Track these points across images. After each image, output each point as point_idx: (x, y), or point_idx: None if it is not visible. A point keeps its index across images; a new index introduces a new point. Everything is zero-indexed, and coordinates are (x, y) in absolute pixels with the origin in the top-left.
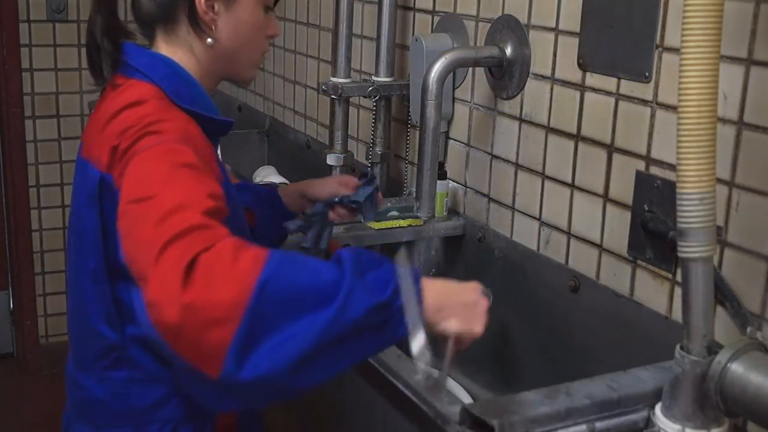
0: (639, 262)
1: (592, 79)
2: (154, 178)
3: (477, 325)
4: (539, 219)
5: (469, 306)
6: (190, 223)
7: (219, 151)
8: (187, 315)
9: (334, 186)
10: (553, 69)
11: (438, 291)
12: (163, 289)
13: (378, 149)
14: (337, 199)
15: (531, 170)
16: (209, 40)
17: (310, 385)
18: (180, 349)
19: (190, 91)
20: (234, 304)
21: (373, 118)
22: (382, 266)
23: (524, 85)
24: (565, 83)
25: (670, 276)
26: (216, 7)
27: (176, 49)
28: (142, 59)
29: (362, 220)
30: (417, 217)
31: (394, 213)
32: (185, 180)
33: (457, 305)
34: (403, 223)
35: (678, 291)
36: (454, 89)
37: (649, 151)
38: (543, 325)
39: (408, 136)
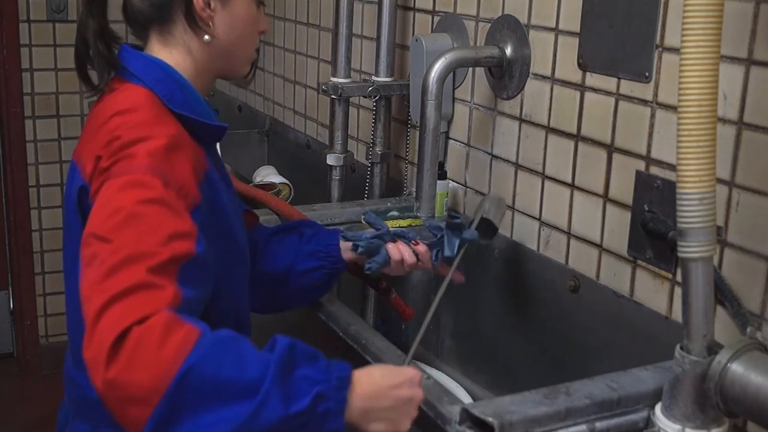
0: (639, 262)
1: (592, 79)
2: (115, 218)
3: (404, 425)
4: (539, 219)
5: (401, 404)
6: (132, 282)
7: (219, 151)
8: (108, 388)
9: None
10: (553, 69)
11: (368, 393)
12: (93, 356)
13: (378, 149)
14: (408, 235)
15: (531, 170)
16: (206, 37)
17: None
18: (108, 408)
19: (185, 95)
20: (153, 388)
21: (373, 118)
22: (315, 364)
23: (524, 85)
24: (565, 83)
25: (670, 276)
26: (212, 3)
27: (171, 49)
28: (137, 62)
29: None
30: (417, 217)
31: (394, 213)
32: (146, 221)
33: (387, 406)
34: (403, 223)
35: (678, 291)
36: (454, 89)
37: (649, 151)
38: (543, 325)
39: (408, 136)
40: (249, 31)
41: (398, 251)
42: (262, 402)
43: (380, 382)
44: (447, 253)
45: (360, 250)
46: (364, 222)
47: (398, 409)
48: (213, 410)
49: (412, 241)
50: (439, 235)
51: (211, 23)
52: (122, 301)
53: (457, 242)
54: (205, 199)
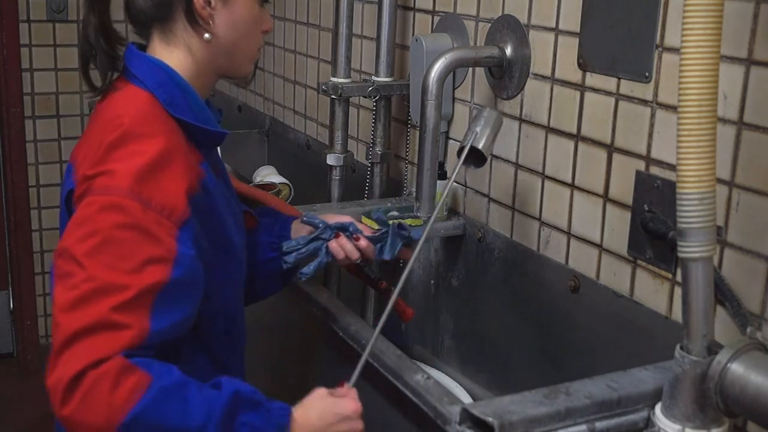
0: (639, 262)
1: (592, 79)
2: (90, 241)
3: None
4: (539, 219)
5: None
6: (95, 320)
7: (219, 151)
8: (64, 423)
9: (346, 218)
10: (553, 69)
11: None
12: (52, 388)
13: (378, 149)
14: (350, 228)
15: (531, 170)
16: (206, 35)
17: None
18: None
19: (186, 99)
20: (101, 430)
21: (373, 118)
22: (256, 411)
23: (524, 85)
24: (565, 83)
25: (670, 276)
26: (212, 2)
27: (173, 48)
28: (140, 64)
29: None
30: (417, 217)
31: (394, 213)
32: (119, 248)
33: None
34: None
35: (678, 291)
36: (454, 89)
37: (649, 151)
38: (543, 325)
39: (408, 136)
40: (251, 30)
41: (340, 249)
42: None
43: (317, 423)
44: (386, 256)
45: (286, 266)
46: (302, 222)
47: None
48: None
49: (354, 236)
50: (384, 230)
51: (211, 21)
52: (83, 340)
53: (399, 244)
54: (198, 212)
